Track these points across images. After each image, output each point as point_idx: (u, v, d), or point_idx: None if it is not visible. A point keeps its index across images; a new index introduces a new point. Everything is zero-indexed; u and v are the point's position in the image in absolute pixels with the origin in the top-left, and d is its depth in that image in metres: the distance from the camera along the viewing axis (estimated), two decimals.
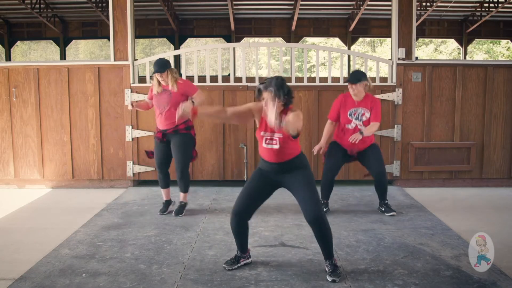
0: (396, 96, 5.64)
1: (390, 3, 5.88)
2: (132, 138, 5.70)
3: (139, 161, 5.74)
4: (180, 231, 4.04)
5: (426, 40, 22.40)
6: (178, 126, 4.35)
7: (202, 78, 6.01)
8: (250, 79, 6.37)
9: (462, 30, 15.03)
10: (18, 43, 16.36)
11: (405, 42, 5.64)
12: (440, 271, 3.16)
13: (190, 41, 18.24)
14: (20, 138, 5.74)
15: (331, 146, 4.56)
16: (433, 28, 15.12)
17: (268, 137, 3.07)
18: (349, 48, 14.67)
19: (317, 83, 5.78)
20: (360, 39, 16.82)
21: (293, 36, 14.46)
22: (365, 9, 12.96)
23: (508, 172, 5.77)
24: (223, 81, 5.86)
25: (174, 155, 4.44)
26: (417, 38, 6.79)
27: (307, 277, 3.06)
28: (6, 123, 5.72)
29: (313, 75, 22.12)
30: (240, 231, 3.22)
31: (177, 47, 14.56)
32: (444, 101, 5.68)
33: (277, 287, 2.93)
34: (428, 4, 12.68)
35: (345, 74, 7.29)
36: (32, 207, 4.95)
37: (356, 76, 4.39)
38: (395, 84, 5.65)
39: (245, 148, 5.67)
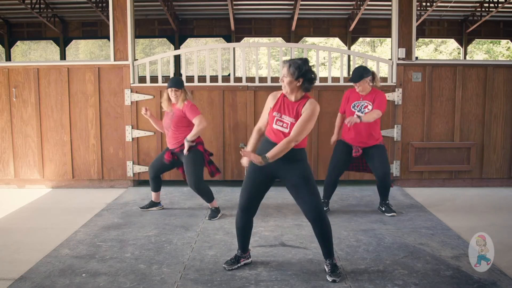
0: (396, 96, 5.64)
1: (390, 3, 5.88)
2: (132, 138, 5.70)
3: (139, 161, 5.74)
4: (180, 231, 4.04)
5: (426, 40, 22.39)
6: (194, 142, 4.34)
7: (202, 78, 6.00)
8: (250, 79, 6.37)
9: (462, 30, 15.04)
10: (18, 43, 16.36)
11: (405, 42, 5.64)
12: (440, 271, 3.16)
13: (190, 41, 18.24)
14: (20, 138, 5.74)
15: (337, 145, 4.56)
16: (433, 28, 15.13)
17: (279, 118, 3.03)
18: (349, 48, 14.67)
19: (317, 83, 5.76)
20: (360, 39, 16.82)
21: (293, 36, 14.46)
22: (365, 9, 12.97)
23: (508, 172, 5.77)
24: (223, 81, 5.86)
25: (186, 175, 4.44)
26: (417, 38, 6.80)
27: (307, 277, 3.06)
28: (6, 123, 5.72)
29: None
30: (246, 228, 3.21)
31: (177, 47, 14.57)
32: (444, 101, 5.68)
33: (277, 287, 2.93)
34: (428, 4, 12.68)
35: (345, 74, 7.29)
36: (32, 207, 4.95)
37: (358, 74, 4.38)
38: (395, 84, 5.65)
39: (245, 148, 5.66)
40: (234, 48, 12.54)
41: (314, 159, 5.70)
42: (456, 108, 5.68)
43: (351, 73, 5.74)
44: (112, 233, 3.98)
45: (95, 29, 14.77)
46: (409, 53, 5.64)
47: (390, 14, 5.81)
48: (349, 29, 14.49)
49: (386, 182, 4.44)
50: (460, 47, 15.80)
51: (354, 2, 13.24)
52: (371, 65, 14.22)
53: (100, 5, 12.72)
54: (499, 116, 5.71)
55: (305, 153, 3.11)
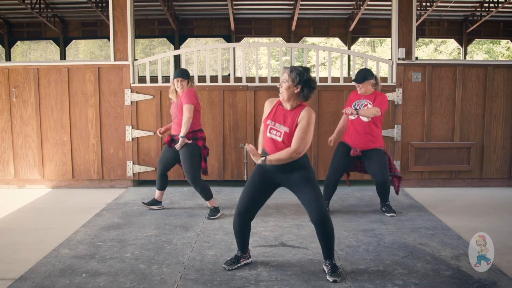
0: (396, 96, 5.64)
1: (390, 3, 5.88)
2: (132, 138, 5.70)
3: (139, 161, 5.74)
4: (180, 231, 4.04)
5: (426, 40, 22.40)
6: (187, 136, 4.35)
7: (202, 78, 6.01)
8: (250, 79, 6.38)
9: (462, 30, 15.04)
10: (18, 43, 16.37)
11: (405, 42, 5.64)
12: (440, 271, 3.16)
13: (190, 41, 18.25)
14: (20, 138, 5.74)
15: (338, 147, 4.55)
16: (433, 28, 15.13)
17: (273, 127, 3.01)
18: (349, 48, 14.67)
19: (317, 83, 5.75)
20: (360, 39, 16.82)
21: (293, 36, 14.46)
22: (365, 9, 12.97)
23: (508, 172, 5.77)
24: (223, 81, 5.87)
25: (183, 167, 4.45)
26: (417, 38, 6.79)
27: (307, 277, 3.06)
28: (6, 123, 5.73)
29: (313, 75, 22.05)
30: (243, 232, 3.21)
31: (177, 47, 14.57)
32: (444, 101, 5.68)
33: (277, 287, 2.93)
34: (428, 4, 12.68)
35: (345, 74, 7.29)
36: (32, 207, 4.95)
37: (362, 75, 4.39)
38: (395, 84, 5.65)
39: (245, 148, 5.66)
40: (234, 48, 12.55)
41: (314, 159, 5.70)
42: (456, 108, 5.68)
43: (353, 74, 5.76)
44: (112, 233, 3.98)
45: (95, 29, 14.77)
46: (409, 53, 5.65)
47: (390, 14, 5.81)
48: (349, 29, 14.49)
49: (384, 188, 4.43)
50: (460, 47, 15.80)
51: (354, 2, 13.24)
52: (371, 65, 14.25)
53: (100, 5, 12.72)
54: (499, 116, 5.71)
55: (307, 159, 3.08)
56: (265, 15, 14.27)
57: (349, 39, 14.86)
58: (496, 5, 13.11)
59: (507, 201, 5.14)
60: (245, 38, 14.94)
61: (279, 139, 2.99)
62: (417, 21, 10.09)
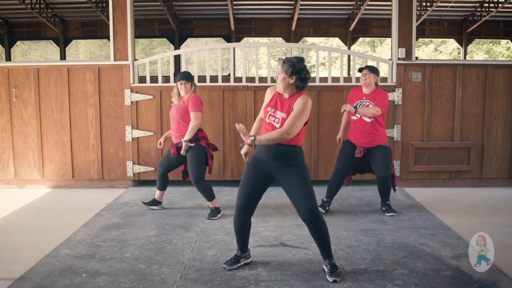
0: (396, 96, 5.64)
1: (390, 3, 5.88)
2: (132, 138, 5.70)
3: (139, 161, 5.74)
4: (180, 231, 4.04)
5: (426, 40, 22.40)
6: (191, 140, 4.34)
7: (202, 78, 6.01)
8: (250, 79, 6.38)
9: (462, 30, 15.04)
10: (18, 43, 16.37)
11: (405, 42, 5.64)
12: (440, 271, 3.16)
13: (190, 41, 18.25)
14: (20, 138, 5.74)
15: (343, 147, 4.57)
16: (433, 28, 15.13)
17: (272, 114, 3.08)
18: (349, 48, 14.67)
19: (317, 83, 5.78)
20: (360, 39, 16.82)
21: (293, 36, 14.46)
22: (365, 9, 12.97)
23: (508, 172, 5.77)
24: (223, 81, 5.87)
25: (188, 169, 4.45)
26: (417, 38, 6.79)
27: (307, 277, 3.06)
28: (6, 123, 5.73)
29: (313, 75, 21.99)
30: (244, 229, 3.21)
31: (177, 47, 14.57)
32: (444, 101, 5.68)
33: (277, 287, 2.93)
34: (428, 4, 12.68)
35: (345, 74, 7.29)
36: (32, 207, 4.95)
37: (370, 67, 4.47)
38: (395, 84, 5.65)
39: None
40: (234, 48, 12.52)
41: (314, 159, 5.70)
42: (456, 108, 5.68)
43: (353, 74, 5.77)
44: (112, 233, 3.98)
45: (95, 29, 14.77)
46: (409, 53, 5.65)
47: (390, 14, 5.81)
48: (349, 29, 14.49)
49: (386, 185, 4.43)
50: (460, 47, 15.81)
51: (354, 2, 13.24)
52: (371, 65, 14.24)
53: (100, 5, 12.73)
54: (499, 116, 5.71)
55: (301, 151, 3.10)
56: (265, 15, 14.27)
57: (349, 39, 14.86)
58: (496, 5, 13.11)
59: (507, 201, 5.14)
60: (245, 38, 14.94)
61: (277, 125, 3.03)
62: (417, 21, 10.09)
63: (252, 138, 2.96)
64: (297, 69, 2.99)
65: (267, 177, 3.13)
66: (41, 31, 14.98)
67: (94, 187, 5.79)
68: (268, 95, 3.18)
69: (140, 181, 5.90)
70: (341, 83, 5.73)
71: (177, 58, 13.76)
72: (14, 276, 3.09)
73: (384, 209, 4.54)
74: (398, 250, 3.54)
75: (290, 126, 2.94)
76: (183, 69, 5.87)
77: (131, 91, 5.65)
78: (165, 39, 15.99)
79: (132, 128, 5.69)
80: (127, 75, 5.64)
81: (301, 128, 3.00)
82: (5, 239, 3.86)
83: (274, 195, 5.16)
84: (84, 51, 24.43)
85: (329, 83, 5.76)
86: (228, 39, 14.55)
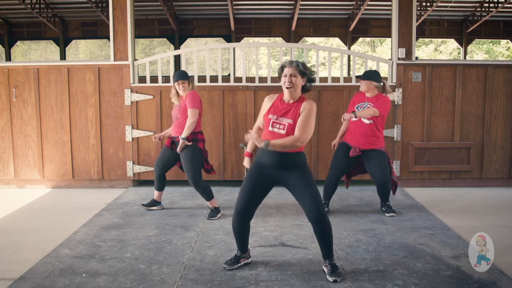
0: (396, 96, 5.64)
1: (390, 3, 5.88)
2: (132, 138, 5.70)
3: (139, 161, 5.74)
4: (180, 231, 4.04)
5: (426, 40, 22.39)
6: (188, 138, 4.34)
7: (202, 78, 6.01)
8: (250, 79, 6.38)
9: (462, 30, 15.04)
10: (18, 43, 16.36)
11: (405, 42, 5.65)
12: (440, 271, 3.16)
13: (190, 41, 18.24)
14: (20, 138, 5.74)
15: (338, 148, 4.56)
16: (433, 28, 15.13)
17: (276, 121, 3.03)
18: (349, 48, 14.67)
19: (317, 83, 5.78)
20: (360, 39, 16.81)
21: (293, 36, 14.45)
22: (365, 9, 12.96)
23: (508, 172, 5.77)
24: (223, 81, 5.87)
25: (184, 169, 4.44)
26: (417, 38, 6.79)
27: (307, 277, 3.06)
28: (6, 123, 5.73)
29: None
30: (242, 231, 3.21)
31: (177, 47, 14.57)
32: (444, 101, 5.68)
33: (277, 287, 2.93)
34: (428, 4, 12.68)
35: (345, 74, 7.30)
36: (32, 207, 4.95)
37: (367, 74, 4.45)
38: (395, 84, 5.65)
39: (245, 148, 5.66)
40: (234, 48, 12.54)
41: (314, 159, 5.70)
42: (456, 108, 5.68)
43: (353, 74, 5.77)
44: (112, 233, 3.98)
45: (95, 29, 14.76)
46: (409, 53, 5.65)
47: (390, 14, 5.81)
48: (349, 29, 14.49)
49: (385, 188, 4.43)
50: (460, 47, 15.80)
51: (354, 2, 13.23)
52: (371, 65, 14.24)
53: (100, 5, 12.72)
54: (499, 116, 5.71)
55: (304, 157, 3.10)
56: (265, 15, 14.27)
57: (349, 39, 14.85)
58: (496, 5, 13.10)
59: (507, 201, 5.14)
60: (245, 38, 14.94)
61: (283, 132, 3.00)
62: (417, 21, 10.09)
63: (266, 142, 2.91)
64: (308, 71, 3.05)
65: (270, 182, 3.13)
66: (41, 31, 14.97)
67: (94, 187, 5.79)
68: (267, 103, 3.14)
69: (140, 181, 5.90)
70: (341, 83, 5.74)
71: (177, 58, 13.75)
72: (14, 276, 3.09)
73: (384, 209, 4.54)
74: (398, 250, 3.54)
75: (302, 133, 2.93)
76: (183, 69, 5.87)
77: (131, 91, 5.65)
78: (165, 39, 15.99)
79: (132, 128, 5.69)
80: (127, 75, 5.64)
81: (311, 134, 3.00)
82: (5, 239, 3.86)
83: (274, 195, 5.16)
84: (84, 51, 24.43)
85: (329, 83, 5.76)
86: (228, 39, 14.54)
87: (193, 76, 5.84)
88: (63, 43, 14.89)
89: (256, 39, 15.24)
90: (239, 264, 3.22)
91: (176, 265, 3.26)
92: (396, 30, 5.63)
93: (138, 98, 5.66)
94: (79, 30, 14.89)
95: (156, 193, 4.71)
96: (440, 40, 22.37)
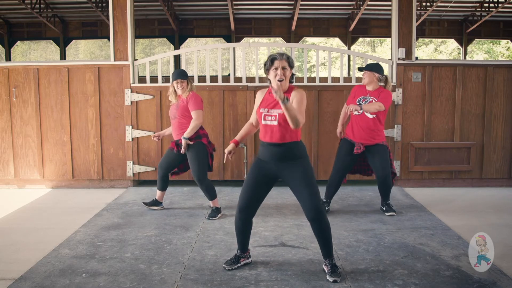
0: (396, 96, 5.64)
1: (390, 3, 5.88)
2: (132, 138, 5.70)
3: (139, 161, 5.74)
4: (180, 231, 4.04)
5: (426, 40, 22.41)
6: (191, 138, 4.34)
7: (202, 78, 6.01)
8: (250, 79, 6.37)
9: (462, 30, 15.04)
10: (18, 43, 16.37)
11: (405, 42, 5.64)
12: (440, 271, 3.16)
13: (190, 41, 18.25)
14: (20, 138, 5.74)
15: (341, 145, 4.55)
16: (433, 28, 15.13)
17: (267, 113, 3.06)
18: (349, 48, 14.67)
19: (317, 83, 5.78)
20: (360, 39, 16.82)
21: (293, 36, 14.46)
22: (365, 9, 12.97)
23: (508, 172, 5.77)
24: (223, 81, 5.87)
25: (190, 167, 4.44)
26: (417, 38, 6.79)
27: (307, 277, 3.06)
28: (6, 123, 5.73)
29: (313, 75, 22.12)
30: (245, 229, 3.21)
31: (177, 47, 14.57)
32: (444, 101, 5.68)
33: (277, 287, 2.93)
34: (428, 4, 12.68)
35: (345, 74, 7.30)
36: (32, 207, 4.95)
37: (370, 66, 4.46)
38: (395, 84, 5.65)
39: (245, 148, 5.67)
40: (234, 48, 12.52)
41: (314, 159, 5.70)
42: (456, 108, 5.68)
43: (353, 74, 5.77)
44: (112, 233, 3.98)
45: (95, 29, 14.77)
46: (409, 53, 5.65)
47: (390, 14, 5.81)
48: (349, 29, 14.50)
49: (387, 183, 4.43)
50: (460, 47, 15.81)
51: (354, 2, 13.24)
52: (371, 63, 14.25)
53: (100, 5, 12.73)
54: (499, 116, 5.71)
55: (303, 146, 3.11)
56: (265, 15, 14.27)
57: (349, 39, 14.86)
58: (496, 5, 13.11)
59: (507, 201, 5.14)
60: (245, 38, 14.95)
61: (275, 123, 3.02)
62: (417, 21, 10.09)
63: (286, 98, 2.83)
64: (293, 62, 3.16)
65: (271, 178, 3.13)
66: (41, 31, 14.98)
67: (94, 187, 5.79)
68: (259, 97, 3.19)
69: (140, 181, 5.90)
70: (341, 83, 5.74)
71: (177, 58, 13.75)
72: (14, 276, 3.09)
73: (384, 208, 4.54)
74: (398, 250, 3.54)
75: (299, 113, 2.94)
76: (183, 69, 5.86)
77: (131, 91, 5.65)
78: (165, 39, 15.99)
79: (132, 128, 5.69)
80: (127, 75, 5.64)
81: (304, 119, 3.01)
82: (5, 239, 3.86)
83: (274, 195, 5.16)
84: (84, 51, 24.43)
85: (329, 83, 5.76)
86: (228, 39, 14.55)
87: (193, 76, 5.85)
88: (63, 43, 14.90)
89: (256, 39, 15.25)
90: (239, 264, 3.22)
91: (176, 265, 3.26)
92: (396, 30, 5.63)
93: (138, 98, 5.66)
94: (79, 30, 14.89)
95: (158, 193, 4.70)
96: (440, 40, 22.38)
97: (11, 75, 5.68)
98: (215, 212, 4.45)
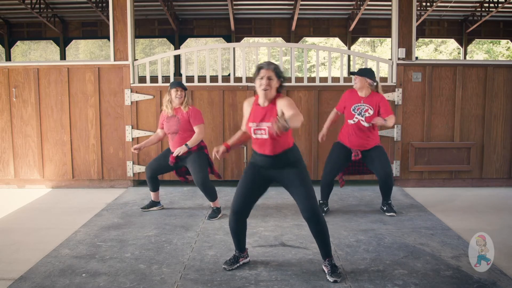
0: (396, 96, 5.64)
1: (390, 3, 5.88)
2: (132, 138, 5.70)
3: (139, 161, 5.74)
4: (180, 231, 4.04)
5: (426, 40, 22.40)
6: (191, 148, 4.37)
7: (202, 78, 6.01)
8: (250, 79, 6.36)
9: (462, 30, 15.04)
10: (18, 43, 16.36)
11: (405, 42, 5.65)
12: (440, 271, 3.16)
13: (190, 41, 18.24)
14: (20, 138, 5.74)
15: (333, 147, 4.55)
16: (433, 28, 15.12)
17: (256, 128, 3.04)
18: (349, 48, 14.67)
19: (317, 83, 5.78)
20: (360, 39, 16.81)
21: (293, 36, 14.46)
22: (365, 9, 12.96)
23: (508, 172, 5.77)
24: (223, 81, 5.87)
25: (192, 174, 4.45)
26: (417, 38, 6.79)
27: (307, 277, 3.06)
28: (6, 123, 5.73)
29: (313, 75, 22.13)
30: (239, 230, 3.22)
31: (177, 47, 14.57)
32: (444, 101, 5.68)
33: (277, 287, 2.93)
34: (428, 4, 12.68)
35: (345, 74, 7.30)
36: (32, 207, 4.95)
37: (362, 71, 4.43)
38: (395, 84, 5.65)
39: (245, 148, 5.67)
40: (234, 48, 12.53)
41: (314, 159, 5.70)
42: (456, 108, 5.68)
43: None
44: (112, 233, 3.98)
45: (95, 29, 14.76)
46: (409, 53, 5.65)
47: (390, 14, 5.81)
48: (349, 29, 14.49)
49: (388, 182, 4.44)
50: (460, 47, 15.80)
51: (354, 2, 13.24)
52: (371, 65, 14.24)
53: (100, 5, 12.72)
54: (499, 116, 5.71)
55: (297, 151, 3.10)
56: (265, 15, 14.27)
57: (349, 39, 14.85)
58: (496, 5, 13.10)
59: (507, 201, 5.14)
60: (245, 38, 14.94)
61: (265, 136, 3.01)
62: (417, 21, 10.09)
63: (284, 126, 2.67)
64: (282, 73, 3.05)
65: (266, 181, 3.15)
66: (41, 31, 14.97)
67: (94, 187, 5.79)
68: (247, 109, 3.15)
69: (140, 181, 5.90)
70: (341, 83, 5.74)
71: (177, 58, 13.75)
72: (14, 276, 3.09)
73: (385, 208, 4.54)
74: (398, 250, 3.54)
75: (295, 115, 2.82)
76: (183, 69, 5.87)
77: (131, 91, 5.65)
78: (165, 39, 15.98)
79: (132, 128, 5.69)
80: (127, 75, 5.64)
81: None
82: (5, 239, 3.86)
83: (274, 195, 5.16)
84: (84, 51, 24.43)
85: (329, 83, 5.76)
86: (228, 39, 14.54)
87: (193, 76, 5.85)
88: (63, 43, 14.89)
89: (256, 39, 15.24)
90: (238, 264, 3.23)
91: (176, 265, 3.27)
92: (396, 30, 5.63)
93: (138, 98, 5.66)
94: (79, 30, 14.88)
95: (152, 194, 4.70)
96: (440, 40, 22.38)
97: (11, 75, 5.68)
98: (216, 212, 4.45)
